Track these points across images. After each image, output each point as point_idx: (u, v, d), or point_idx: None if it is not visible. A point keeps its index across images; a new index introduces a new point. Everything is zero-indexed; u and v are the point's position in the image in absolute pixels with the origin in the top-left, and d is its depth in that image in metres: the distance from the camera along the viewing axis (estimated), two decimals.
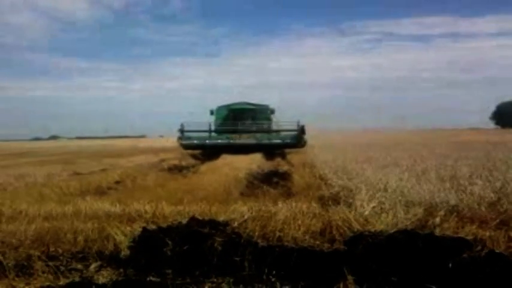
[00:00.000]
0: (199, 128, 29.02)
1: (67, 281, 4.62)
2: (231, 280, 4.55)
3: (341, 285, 3.85)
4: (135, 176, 15.02)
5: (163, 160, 23.40)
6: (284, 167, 18.16)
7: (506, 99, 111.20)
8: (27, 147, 56.34)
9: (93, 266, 5.21)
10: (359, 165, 12.94)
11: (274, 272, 4.80)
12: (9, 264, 4.92)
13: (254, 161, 21.43)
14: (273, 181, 13.37)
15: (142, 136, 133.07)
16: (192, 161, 23.18)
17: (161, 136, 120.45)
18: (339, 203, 7.37)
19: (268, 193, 10.50)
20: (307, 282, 4.42)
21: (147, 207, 7.57)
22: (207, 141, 28.58)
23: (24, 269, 4.88)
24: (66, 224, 6.59)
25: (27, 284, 4.43)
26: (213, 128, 29.64)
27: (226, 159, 23.48)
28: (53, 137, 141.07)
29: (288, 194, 10.24)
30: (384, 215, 6.44)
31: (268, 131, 29.11)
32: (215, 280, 4.60)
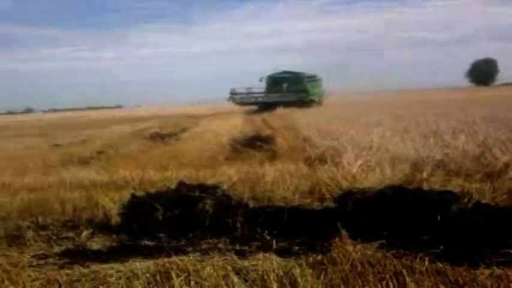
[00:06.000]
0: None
1: (61, 248, 4.59)
2: (227, 240, 4.57)
3: (337, 240, 3.89)
4: (117, 145, 14.84)
5: (143, 129, 23.19)
6: (266, 131, 18.14)
7: (481, 57, 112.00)
8: (2, 121, 55.15)
9: (84, 234, 5.17)
10: (341, 126, 13.01)
11: (266, 231, 4.82)
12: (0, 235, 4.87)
13: (235, 127, 21.39)
14: (256, 145, 13.36)
15: (119, 106, 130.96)
16: (172, 129, 22.99)
17: (138, 106, 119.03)
18: (326, 163, 7.42)
19: (253, 157, 10.50)
20: (303, 239, 4.45)
21: (134, 174, 7.52)
22: (249, 99, 42.45)
23: (15, 239, 4.83)
24: (52, 194, 6.53)
25: (21, 253, 4.38)
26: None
27: (207, 126, 23.40)
28: (28, 110, 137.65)
29: (273, 157, 10.24)
30: (371, 172, 6.53)
31: (283, 91, 41.22)
32: (211, 241, 4.62)
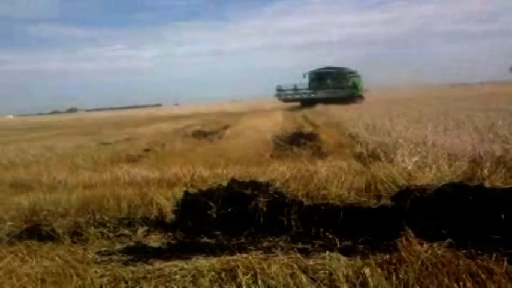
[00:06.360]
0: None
1: (122, 245, 4.63)
2: (288, 238, 4.51)
3: (403, 239, 3.77)
4: (163, 143, 15.00)
5: (186, 127, 23.40)
6: (308, 128, 18.00)
7: None
8: (49, 121, 56.89)
9: (140, 231, 5.21)
10: (387, 121, 12.72)
11: (322, 229, 4.72)
12: (61, 232, 4.96)
13: (277, 124, 21.32)
14: (300, 142, 13.23)
15: (158, 105, 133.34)
16: (215, 127, 23.12)
17: (176, 104, 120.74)
18: (379, 160, 7.24)
19: (298, 154, 10.39)
20: (365, 237, 4.34)
21: (185, 171, 7.55)
22: (295, 96, 43.06)
23: (76, 236, 4.91)
24: (108, 191, 6.59)
25: (85, 249, 4.45)
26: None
27: (248, 123, 23.41)
28: (71, 110, 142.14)
29: (319, 154, 10.10)
30: (427, 169, 6.32)
31: (329, 88, 41.38)
32: (271, 239, 4.56)
